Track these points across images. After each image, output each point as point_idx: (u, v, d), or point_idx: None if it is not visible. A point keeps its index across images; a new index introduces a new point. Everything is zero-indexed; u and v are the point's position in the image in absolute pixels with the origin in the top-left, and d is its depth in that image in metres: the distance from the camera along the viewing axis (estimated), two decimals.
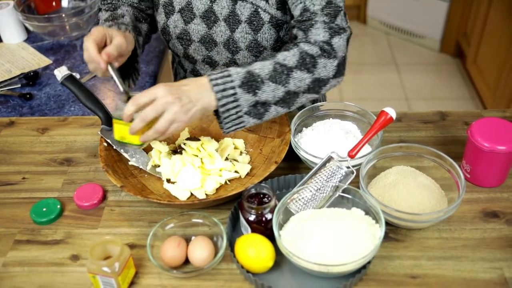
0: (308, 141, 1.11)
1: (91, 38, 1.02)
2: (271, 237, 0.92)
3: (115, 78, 1.04)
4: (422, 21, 3.24)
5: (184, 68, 1.33)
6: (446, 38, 3.20)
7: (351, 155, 1.02)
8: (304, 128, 1.16)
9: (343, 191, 0.99)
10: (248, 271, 0.90)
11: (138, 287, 0.92)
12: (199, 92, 0.94)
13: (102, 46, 1.03)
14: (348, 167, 1.01)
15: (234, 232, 1.00)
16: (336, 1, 1.04)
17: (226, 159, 1.13)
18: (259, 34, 1.14)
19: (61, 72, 1.15)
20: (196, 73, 1.30)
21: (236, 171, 1.10)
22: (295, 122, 1.13)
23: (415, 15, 3.24)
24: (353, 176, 1.00)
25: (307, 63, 0.99)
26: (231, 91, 0.95)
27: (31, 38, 1.75)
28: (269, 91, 0.97)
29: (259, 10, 1.11)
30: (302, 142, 1.11)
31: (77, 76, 1.56)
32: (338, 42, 1.02)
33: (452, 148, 1.16)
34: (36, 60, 1.64)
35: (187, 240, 0.96)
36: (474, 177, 1.07)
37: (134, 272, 0.93)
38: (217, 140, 1.17)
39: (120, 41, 1.03)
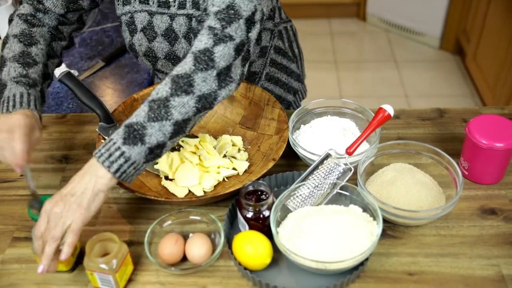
0: (306, 138, 1.11)
1: (23, 139, 0.94)
2: (268, 234, 0.92)
3: (28, 178, 0.99)
4: (421, 18, 3.24)
5: (159, 76, 1.32)
6: (446, 35, 3.20)
7: (349, 152, 1.02)
8: (302, 125, 1.16)
9: (341, 188, 0.99)
10: (245, 268, 0.90)
11: (136, 284, 0.92)
12: (83, 178, 0.88)
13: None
14: (346, 164, 1.01)
15: (231, 229, 1.00)
16: (238, 7, 0.93)
17: (224, 156, 1.13)
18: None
19: (59, 69, 1.15)
20: (157, 71, 1.28)
21: (234, 168, 1.10)
22: (293, 119, 1.13)
23: (415, 12, 3.24)
24: (351, 173, 1.00)
25: (181, 85, 0.90)
26: (118, 153, 0.87)
27: None
28: (156, 132, 0.89)
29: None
30: (300, 139, 1.11)
31: (76, 73, 1.56)
32: (221, 50, 0.92)
33: (450, 145, 1.16)
34: None
35: (185, 237, 0.96)
36: (472, 174, 1.07)
37: (132, 269, 0.93)
38: (215, 137, 1.17)
39: (39, 141, 1.00)
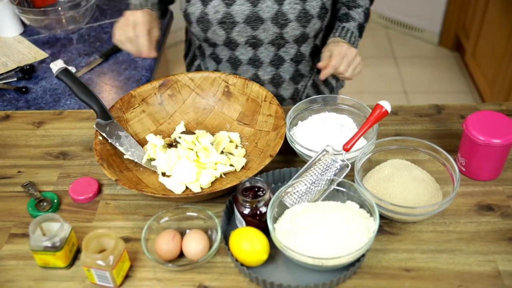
0: (303, 135, 1.11)
1: (145, 28, 1.12)
2: (265, 231, 0.92)
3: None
4: (421, 14, 3.23)
5: (219, 59, 1.32)
6: (445, 32, 3.19)
7: (346, 149, 1.02)
8: (299, 122, 1.16)
9: (338, 185, 0.99)
10: (242, 264, 0.90)
11: (133, 280, 0.92)
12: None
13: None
14: (343, 161, 1.01)
15: (228, 225, 1.00)
16: None
17: (222, 152, 1.13)
18: (307, 3, 1.19)
19: (57, 66, 1.15)
20: (234, 60, 1.29)
21: (231, 165, 1.10)
22: (290, 115, 1.12)
23: (414, 9, 3.23)
24: (348, 170, 1.00)
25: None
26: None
27: (27, 31, 1.75)
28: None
29: None
30: (297, 136, 1.11)
31: (73, 69, 1.56)
32: None
33: (448, 142, 1.16)
34: (32, 53, 1.64)
35: (182, 234, 0.96)
36: (469, 170, 1.07)
37: (129, 266, 0.93)
38: (213, 133, 1.17)
39: (157, 36, 1.17)
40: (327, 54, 1.17)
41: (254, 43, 1.24)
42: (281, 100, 1.35)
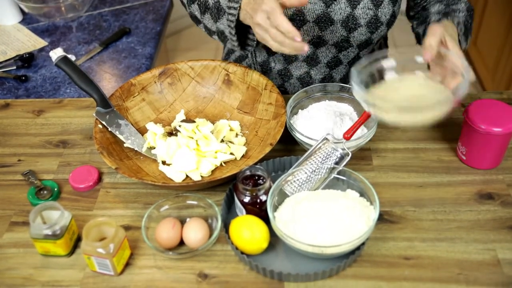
0: (303, 123, 1.10)
1: (278, 10, 0.89)
2: (265, 219, 0.93)
3: None
4: None
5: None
6: None
7: (347, 137, 1.02)
8: (299, 110, 1.15)
9: (338, 173, 0.99)
10: (242, 253, 0.91)
11: (133, 268, 0.92)
12: None
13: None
14: (343, 149, 1.01)
15: (229, 213, 1.00)
16: None
17: (222, 141, 1.13)
18: (379, 9, 1.15)
19: (56, 54, 1.14)
20: (290, 57, 1.22)
21: (231, 153, 1.10)
22: (290, 104, 1.12)
23: None
24: (348, 158, 1.00)
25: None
26: None
27: (26, 19, 1.74)
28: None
29: None
30: (297, 124, 1.11)
31: (73, 58, 1.54)
32: None
33: (449, 130, 1.15)
34: (31, 41, 1.63)
35: (182, 222, 0.96)
36: (469, 159, 1.07)
37: (129, 254, 0.94)
38: (213, 122, 1.17)
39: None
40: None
41: (317, 43, 1.20)
42: (284, 93, 1.32)
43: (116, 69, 1.52)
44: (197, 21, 1.17)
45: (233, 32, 1.04)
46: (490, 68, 2.66)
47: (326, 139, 1.01)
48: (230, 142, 1.13)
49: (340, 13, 1.15)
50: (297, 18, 1.16)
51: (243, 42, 1.09)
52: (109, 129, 1.11)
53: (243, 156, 1.10)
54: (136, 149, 1.11)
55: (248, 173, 0.96)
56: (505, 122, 1.00)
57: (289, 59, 1.25)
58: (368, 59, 0.95)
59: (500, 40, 2.54)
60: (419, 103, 0.88)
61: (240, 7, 1.00)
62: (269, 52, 1.25)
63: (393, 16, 1.19)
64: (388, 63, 0.96)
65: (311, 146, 1.03)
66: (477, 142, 1.03)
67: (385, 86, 0.95)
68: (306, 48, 0.91)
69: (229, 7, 1.02)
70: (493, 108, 1.03)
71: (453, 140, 1.12)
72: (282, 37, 0.91)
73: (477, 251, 0.92)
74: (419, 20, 1.25)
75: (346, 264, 0.89)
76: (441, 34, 0.93)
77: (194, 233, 0.93)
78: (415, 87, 0.94)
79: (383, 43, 1.35)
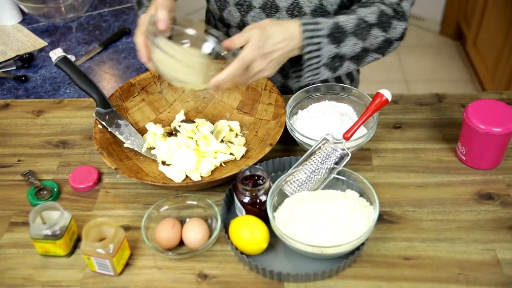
0: (303, 123, 1.10)
1: (139, 31, 1.01)
2: (265, 219, 0.93)
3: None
4: (422, 3, 3.20)
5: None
6: (446, 20, 3.18)
7: (346, 137, 1.02)
8: (299, 110, 1.15)
9: (338, 173, 0.99)
10: (242, 253, 0.91)
11: (133, 268, 0.92)
12: (282, 41, 0.96)
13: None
14: (343, 149, 1.01)
15: (228, 214, 1.00)
16: None
17: (222, 141, 1.12)
18: None
19: (56, 54, 1.14)
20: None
21: (231, 153, 1.10)
22: (290, 104, 1.12)
23: None
24: (348, 158, 1.00)
25: (384, 22, 1.03)
26: (318, 40, 0.97)
27: (26, 19, 1.74)
28: (350, 45, 1.00)
29: None
30: (297, 124, 1.11)
31: (73, 58, 1.55)
32: (406, 6, 1.06)
33: (448, 131, 1.15)
34: (31, 42, 1.63)
35: (182, 222, 0.96)
36: (469, 159, 1.07)
37: (129, 254, 0.94)
38: (213, 122, 1.17)
39: (161, 1, 1.02)
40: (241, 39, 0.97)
41: None
42: (288, 91, 1.33)
43: (116, 69, 1.52)
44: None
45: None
46: (490, 68, 2.66)
47: (326, 139, 1.01)
48: (230, 142, 1.13)
49: (285, 0, 1.15)
50: (244, 3, 1.17)
51: None
52: (109, 130, 1.11)
53: (242, 156, 1.10)
54: (135, 149, 1.11)
55: (247, 173, 0.96)
56: (505, 122, 1.00)
57: None
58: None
59: (500, 40, 2.54)
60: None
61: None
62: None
63: (342, 7, 1.16)
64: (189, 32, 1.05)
65: (310, 146, 1.03)
66: (476, 142, 1.03)
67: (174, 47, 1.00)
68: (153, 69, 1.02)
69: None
70: (493, 108, 1.03)
71: (453, 140, 1.12)
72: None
73: (477, 251, 0.92)
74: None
75: (346, 264, 0.89)
76: (249, 37, 0.95)
77: (194, 233, 0.93)
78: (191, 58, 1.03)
79: None
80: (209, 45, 1.08)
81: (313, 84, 1.13)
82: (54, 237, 0.91)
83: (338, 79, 1.34)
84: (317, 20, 0.98)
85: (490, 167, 1.07)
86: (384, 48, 1.05)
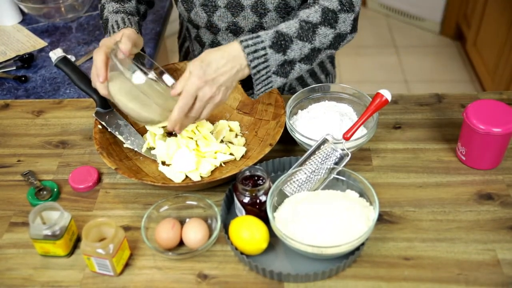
0: (303, 124, 1.10)
1: (100, 49, 1.02)
2: (265, 219, 0.93)
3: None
4: (422, 3, 3.22)
5: (203, 42, 1.28)
6: (447, 21, 3.18)
7: (346, 138, 1.02)
8: (299, 111, 1.15)
9: (338, 173, 0.99)
10: (242, 253, 0.91)
11: (133, 268, 0.92)
12: (226, 65, 0.94)
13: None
14: (343, 150, 1.01)
15: (228, 214, 1.00)
16: None
17: (221, 141, 1.12)
18: None
19: (56, 54, 1.14)
20: (216, 45, 1.25)
21: (231, 154, 1.10)
22: (290, 104, 1.12)
23: None
24: (348, 159, 1.00)
25: (329, 18, 1.01)
26: (262, 52, 0.96)
27: (26, 20, 1.74)
28: (297, 49, 0.99)
29: None
30: (297, 125, 1.11)
31: (73, 58, 1.55)
32: None
33: (448, 131, 1.15)
34: (31, 42, 1.63)
35: (182, 222, 0.96)
36: (469, 159, 1.07)
37: (129, 254, 0.94)
38: (212, 122, 1.17)
39: (128, 32, 1.05)
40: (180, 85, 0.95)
41: (235, 30, 1.21)
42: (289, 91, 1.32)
43: None
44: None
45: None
46: (490, 68, 2.66)
47: (326, 139, 1.01)
48: (230, 142, 1.13)
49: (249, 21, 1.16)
50: (209, 3, 1.17)
51: None
52: (109, 130, 1.11)
53: (242, 156, 1.10)
54: (135, 149, 1.11)
55: (247, 173, 0.96)
56: (505, 122, 1.00)
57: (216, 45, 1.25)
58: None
59: (500, 40, 2.54)
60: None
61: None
62: (201, 44, 1.29)
63: (305, 1, 1.15)
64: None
65: (310, 146, 1.03)
66: (476, 142, 1.03)
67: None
68: (103, 92, 1.02)
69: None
70: (493, 108, 1.03)
71: (453, 140, 1.12)
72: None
73: (476, 252, 0.92)
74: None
75: (346, 265, 0.89)
76: (190, 70, 0.94)
77: (194, 233, 0.93)
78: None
79: None
80: (169, 78, 1.11)
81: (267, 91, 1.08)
82: (54, 237, 0.91)
83: (314, 75, 1.34)
84: (257, 34, 0.97)
85: (490, 167, 1.06)
86: (336, 43, 1.04)
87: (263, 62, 0.97)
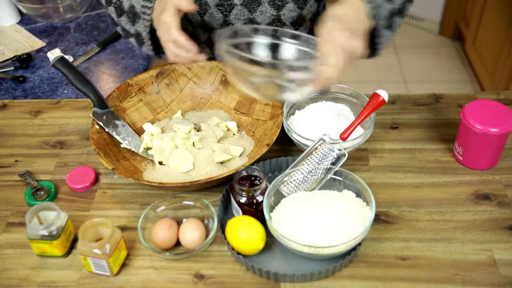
0: (300, 124, 1.10)
1: (174, 24, 0.97)
2: (262, 219, 0.93)
3: None
4: (421, 3, 3.21)
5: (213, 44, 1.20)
6: (445, 21, 3.18)
7: (343, 138, 1.02)
8: (296, 111, 1.15)
9: (335, 174, 0.99)
10: (239, 253, 0.91)
11: (130, 268, 0.92)
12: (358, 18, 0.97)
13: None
14: (340, 150, 1.01)
15: (225, 214, 1.00)
16: None
17: (219, 141, 1.12)
18: None
19: (54, 54, 1.14)
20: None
21: (228, 154, 1.10)
22: (287, 104, 1.12)
23: None
24: (345, 159, 1.00)
25: None
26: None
27: (24, 20, 1.74)
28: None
29: None
30: (294, 125, 1.11)
31: (71, 58, 1.55)
32: None
33: (445, 131, 1.15)
34: (29, 42, 1.63)
35: (179, 223, 0.96)
36: (466, 159, 1.07)
37: (126, 254, 0.94)
38: (209, 122, 1.17)
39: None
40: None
41: None
42: None
43: (113, 69, 1.53)
44: (114, 22, 1.19)
45: (148, 36, 1.09)
46: (489, 68, 2.66)
47: (323, 139, 1.01)
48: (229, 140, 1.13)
49: None
50: (225, 3, 1.16)
51: (158, 48, 1.14)
52: (106, 130, 1.11)
53: (239, 156, 1.10)
54: (133, 149, 1.11)
55: (244, 173, 0.96)
56: (502, 122, 1.00)
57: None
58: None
59: (499, 40, 2.54)
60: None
61: (152, 11, 1.05)
62: (211, 46, 1.26)
63: None
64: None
65: (307, 146, 1.03)
66: (473, 142, 1.03)
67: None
68: (201, 58, 1.00)
69: (144, 13, 1.07)
70: (490, 108, 1.03)
71: (450, 140, 1.12)
72: (177, 50, 0.99)
73: (473, 252, 0.92)
74: None
75: (342, 265, 0.89)
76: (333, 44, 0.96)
77: (191, 233, 0.93)
78: None
79: (318, 20, 1.31)
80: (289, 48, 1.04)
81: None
82: (51, 237, 0.91)
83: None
84: None
85: (487, 168, 1.07)
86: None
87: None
